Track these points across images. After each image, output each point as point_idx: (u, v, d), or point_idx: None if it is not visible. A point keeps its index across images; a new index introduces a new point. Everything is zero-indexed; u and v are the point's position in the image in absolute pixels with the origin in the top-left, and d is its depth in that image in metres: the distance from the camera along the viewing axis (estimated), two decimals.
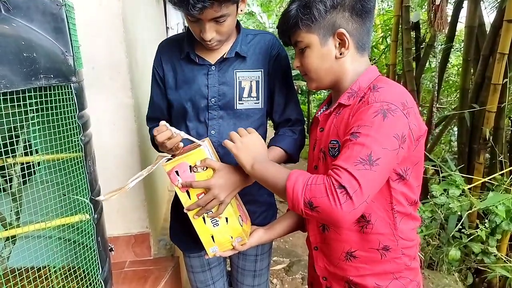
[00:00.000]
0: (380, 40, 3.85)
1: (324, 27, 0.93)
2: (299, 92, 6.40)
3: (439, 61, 2.74)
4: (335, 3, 0.91)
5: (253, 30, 1.27)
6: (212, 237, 1.05)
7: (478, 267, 2.00)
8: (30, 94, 0.85)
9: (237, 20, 1.22)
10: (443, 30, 2.45)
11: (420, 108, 3.12)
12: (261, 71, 1.20)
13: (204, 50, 1.17)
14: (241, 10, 1.11)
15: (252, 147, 0.98)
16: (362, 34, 0.95)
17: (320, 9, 0.91)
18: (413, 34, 2.86)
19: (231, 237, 1.06)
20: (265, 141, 1.28)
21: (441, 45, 2.80)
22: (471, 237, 1.92)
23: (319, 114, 1.05)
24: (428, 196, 2.04)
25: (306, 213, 0.79)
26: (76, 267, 1.04)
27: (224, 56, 1.17)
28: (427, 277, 2.04)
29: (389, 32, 3.36)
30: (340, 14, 0.92)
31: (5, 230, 0.98)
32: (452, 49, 3.10)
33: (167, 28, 3.38)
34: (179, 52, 1.21)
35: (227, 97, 1.18)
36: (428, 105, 3.11)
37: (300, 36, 0.96)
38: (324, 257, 1.03)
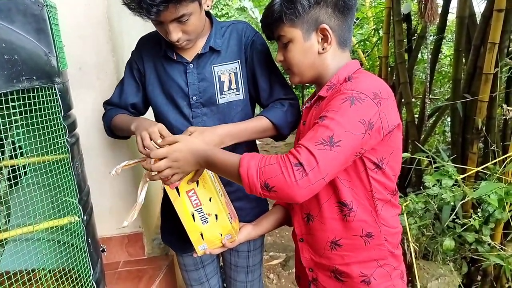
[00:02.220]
0: (372, 33, 3.84)
1: (308, 22, 0.95)
2: (293, 87, 6.39)
3: (431, 52, 2.74)
4: None
5: (227, 22, 1.24)
6: (201, 234, 1.05)
7: (473, 256, 2.01)
8: (13, 96, 0.84)
9: (210, 13, 1.20)
10: (434, 21, 2.44)
11: (413, 99, 3.11)
12: (238, 61, 1.18)
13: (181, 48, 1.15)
14: (208, 6, 1.10)
15: (185, 157, 0.94)
16: (344, 30, 0.97)
17: (304, 4, 0.93)
18: (404, 25, 2.85)
19: (221, 234, 1.06)
20: None
21: (432, 36, 2.79)
22: (465, 227, 1.92)
23: (303, 108, 1.07)
24: (421, 187, 2.04)
25: (264, 194, 0.81)
26: (67, 269, 1.03)
27: (199, 52, 1.15)
28: (422, 267, 2.05)
29: (381, 25, 3.34)
30: (323, 10, 0.94)
31: None
32: (444, 40, 3.09)
33: None
34: (159, 49, 1.19)
35: (208, 93, 1.17)
36: (421, 96, 3.11)
37: (283, 31, 0.98)
38: (310, 248, 1.05)
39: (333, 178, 0.84)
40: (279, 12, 0.96)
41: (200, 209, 1.04)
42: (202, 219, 1.05)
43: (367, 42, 4.08)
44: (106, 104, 1.32)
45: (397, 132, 0.92)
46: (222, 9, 9.36)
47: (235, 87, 1.19)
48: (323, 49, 0.97)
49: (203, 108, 1.18)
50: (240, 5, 7.69)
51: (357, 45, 4.14)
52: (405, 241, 1.93)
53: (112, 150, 1.66)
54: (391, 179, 0.96)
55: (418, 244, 2.06)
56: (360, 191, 0.94)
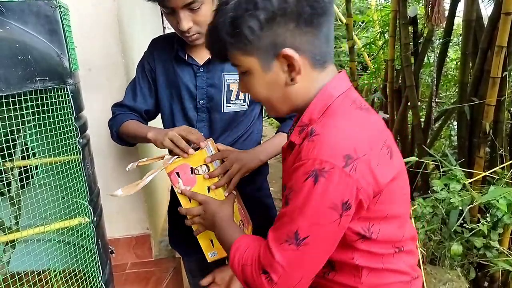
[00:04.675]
0: (378, 36, 3.83)
1: (263, 48, 0.70)
2: None
3: (437, 55, 2.73)
4: (273, 14, 0.67)
5: None
6: (212, 241, 1.04)
7: (481, 261, 1.99)
8: (26, 97, 0.84)
9: None
10: (441, 24, 2.44)
11: (419, 103, 3.10)
12: None
13: (193, 49, 1.15)
14: None
15: (209, 214, 0.96)
16: (317, 46, 0.72)
17: (253, 27, 0.68)
18: (410, 29, 2.85)
19: None
20: (260, 140, 1.28)
21: (439, 40, 2.78)
22: (473, 232, 1.91)
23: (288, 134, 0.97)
24: (429, 191, 2.03)
25: None
26: (77, 270, 1.03)
27: (210, 57, 1.15)
28: (429, 272, 2.03)
29: (387, 28, 3.34)
30: (281, 29, 0.69)
31: (5, 234, 0.97)
32: (450, 43, 3.08)
33: (164, 27, 3.38)
34: (171, 50, 1.19)
35: (214, 99, 1.17)
36: (427, 99, 3.10)
37: (236, 59, 0.75)
38: None
39: (317, 272, 0.72)
40: (223, 40, 0.73)
41: None
42: None
43: (372, 45, 4.08)
44: (117, 107, 1.28)
45: (396, 182, 0.72)
46: None
47: (242, 98, 1.19)
48: (291, 80, 0.72)
49: (208, 114, 1.19)
50: None
51: (362, 48, 4.14)
52: None
53: (121, 151, 1.66)
54: (388, 245, 0.77)
55: (425, 249, 2.05)
56: (341, 255, 0.76)
